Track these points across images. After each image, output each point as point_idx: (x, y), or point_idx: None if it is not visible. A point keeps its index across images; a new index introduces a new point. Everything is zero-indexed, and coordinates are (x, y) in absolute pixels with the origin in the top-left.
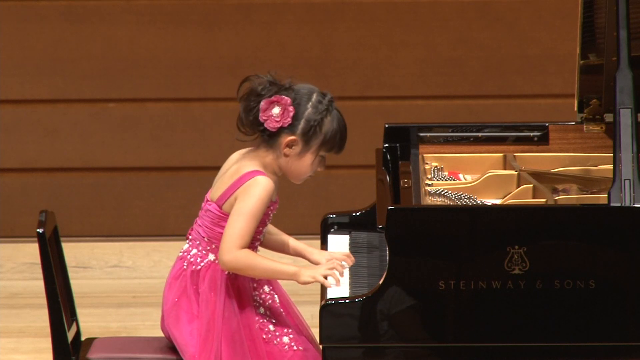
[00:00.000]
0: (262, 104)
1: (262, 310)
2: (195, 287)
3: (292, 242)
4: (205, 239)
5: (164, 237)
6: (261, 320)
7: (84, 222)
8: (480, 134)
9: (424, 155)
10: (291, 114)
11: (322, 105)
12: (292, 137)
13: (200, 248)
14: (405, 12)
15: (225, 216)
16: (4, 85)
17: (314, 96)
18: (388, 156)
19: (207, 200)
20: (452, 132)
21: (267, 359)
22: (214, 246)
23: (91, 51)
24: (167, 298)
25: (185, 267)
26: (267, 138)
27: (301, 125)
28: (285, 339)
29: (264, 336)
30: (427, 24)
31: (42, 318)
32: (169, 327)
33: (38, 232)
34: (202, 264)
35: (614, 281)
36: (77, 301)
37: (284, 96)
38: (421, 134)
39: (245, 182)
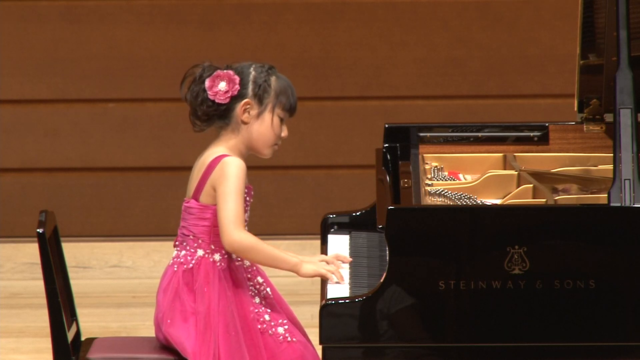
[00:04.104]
0: (207, 83)
1: (257, 300)
2: (187, 287)
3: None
4: (191, 237)
5: (164, 237)
6: (256, 310)
7: (84, 222)
8: (480, 134)
9: (424, 155)
10: (237, 81)
11: (264, 68)
12: (246, 100)
13: (188, 248)
14: (405, 12)
15: (205, 207)
16: (4, 85)
17: (254, 64)
18: (388, 156)
19: (185, 200)
20: (452, 132)
21: (263, 349)
22: (200, 241)
23: (91, 51)
24: (162, 303)
25: (175, 269)
26: (223, 116)
27: (250, 87)
28: (280, 330)
29: (259, 326)
30: (427, 24)
31: (42, 318)
32: (165, 330)
33: (38, 232)
34: (193, 262)
35: (614, 281)
36: (77, 301)
37: (225, 70)
38: (421, 134)
39: (215, 167)
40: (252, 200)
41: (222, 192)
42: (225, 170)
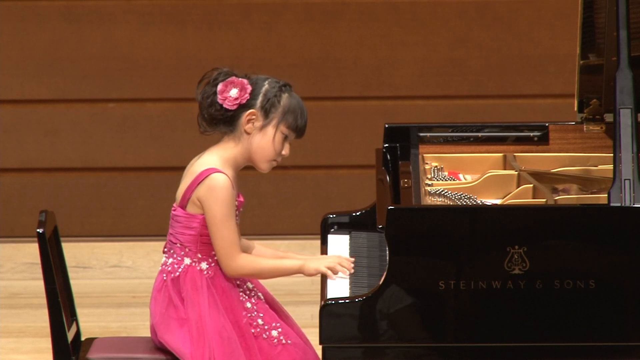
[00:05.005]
0: (220, 86)
1: (249, 305)
2: (179, 294)
3: (276, 256)
4: (178, 245)
5: (164, 237)
6: (249, 315)
7: (84, 222)
8: (480, 134)
9: (424, 155)
10: (249, 90)
11: (279, 84)
12: (251, 111)
13: (175, 255)
14: (405, 12)
15: (191, 217)
16: (4, 85)
17: (270, 79)
18: (388, 156)
19: (173, 207)
20: (452, 132)
21: (258, 354)
22: (187, 250)
23: (91, 51)
24: (155, 311)
25: (165, 278)
26: (229, 123)
27: (259, 99)
28: (274, 333)
29: (253, 330)
30: (427, 24)
31: (42, 318)
32: (161, 337)
33: (38, 232)
34: (179, 270)
35: (614, 281)
36: (77, 301)
37: (240, 78)
38: (421, 134)
39: (202, 181)
40: (241, 209)
41: (212, 218)
42: (212, 194)
